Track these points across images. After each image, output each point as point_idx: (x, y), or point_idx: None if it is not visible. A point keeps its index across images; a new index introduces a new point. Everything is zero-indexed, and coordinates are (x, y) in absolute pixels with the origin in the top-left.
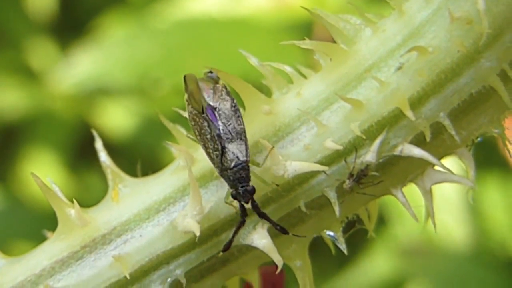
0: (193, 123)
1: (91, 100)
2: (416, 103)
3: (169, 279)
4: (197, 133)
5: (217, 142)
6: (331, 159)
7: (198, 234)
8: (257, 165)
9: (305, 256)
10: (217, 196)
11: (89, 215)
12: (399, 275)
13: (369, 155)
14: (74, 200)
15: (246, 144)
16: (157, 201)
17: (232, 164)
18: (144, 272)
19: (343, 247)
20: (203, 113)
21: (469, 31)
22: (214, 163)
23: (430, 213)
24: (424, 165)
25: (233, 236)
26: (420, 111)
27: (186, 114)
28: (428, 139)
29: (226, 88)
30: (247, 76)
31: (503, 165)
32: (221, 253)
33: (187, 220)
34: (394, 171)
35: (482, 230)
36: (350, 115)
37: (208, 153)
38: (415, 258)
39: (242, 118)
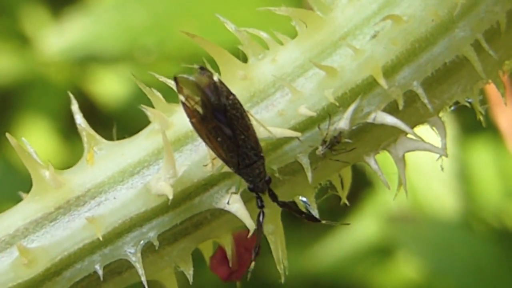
0: (198, 128)
1: (83, 67)
2: (390, 71)
3: (142, 242)
4: (204, 138)
5: (231, 143)
6: (304, 126)
7: (171, 197)
8: None
9: (278, 221)
10: (191, 160)
11: (63, 177)
12: (387, 242)
13: (343, 122)
14: (49, 162)
15: (257, 138)
16: (131, 164)
17: (250, 162)
18: (117, 234)
19: (315, 212)
20: (209, 116)
21: (444, 1)
22: (229, 165)
23: (402, 181)
24: (397, 133)
25: (259, 231)
26: (394, 80)
27: (162, 78)
28: (401, 108)
29: (223, 83)
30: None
31: (492, 130)
32: (252, 263)
33: (161, 183)
34: (367, 138)
35: (472, 196)
36: (324, 82)
37: (220, 156)
38: (404, 225)
39: (245, 109)
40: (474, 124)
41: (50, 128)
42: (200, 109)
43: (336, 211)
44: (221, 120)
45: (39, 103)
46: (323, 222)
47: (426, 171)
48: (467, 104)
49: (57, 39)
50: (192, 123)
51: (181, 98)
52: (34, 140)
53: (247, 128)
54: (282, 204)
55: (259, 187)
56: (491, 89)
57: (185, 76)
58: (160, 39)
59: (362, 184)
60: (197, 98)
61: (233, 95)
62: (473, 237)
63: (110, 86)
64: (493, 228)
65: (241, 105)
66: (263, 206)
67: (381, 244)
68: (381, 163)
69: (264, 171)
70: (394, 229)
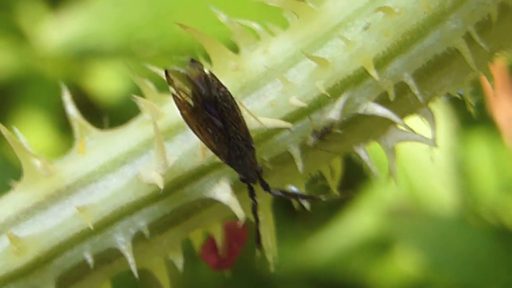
0: (189, 120)
1: (81, 62)
2: (381, 63)
3: (132, 231)
4: (195, 130)
5: (222, 135)
6: (296, 116)
7: (161, 187)
8: None
9: (268, 210)
10: (182, 150)
11: (54, 166)
12: (385, 236)
13: (333, 113)
14: (41, 152)
15: (248, 129)
16: (122, 154)
17: (241, 154)
18: (107, 223)
19: (305, 203)
20: (200, 108)
21: None
22: (220, 156)
23: (392, 172)
24: (388, 124)
25: (257, 221)
26: (385, 71)
27: (155, 69)
28: (392, 99)
29: (214, 76)
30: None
31: (490, 124)
32: (258, 251)
33: (152, 173)
34: (358, 129)
35: (470, 190)
36: (315, 73)
37: (211, 147)
38: (402, 218)
39: (236, 102)
40: (472, 118)
41: (47, 124)
42: (190, 101)
43: (333, 206)
44: (212, 112)
45: (36, 99)
46: (323, 199)
47: (424, 165)
48: (458, 96)
49: (55, 33)
50: (182, 115)
51: (172, 90)
52: (31, 135)
53: (238, 120)
54: (275, 193)
55: (250, 178)
56: (489, 83)
57: (175, 68)
58: (158, 34)
59: (359, 178)
60: (188, 90)
61: (224, 87)
62: (470, 231)
63: (107, 82)
64: (491, 222)
65: (232, 97)
66: (255, 195)
67: (378, 238)
68: (376, 153)
69: (255, 162)
70: (392, 223)
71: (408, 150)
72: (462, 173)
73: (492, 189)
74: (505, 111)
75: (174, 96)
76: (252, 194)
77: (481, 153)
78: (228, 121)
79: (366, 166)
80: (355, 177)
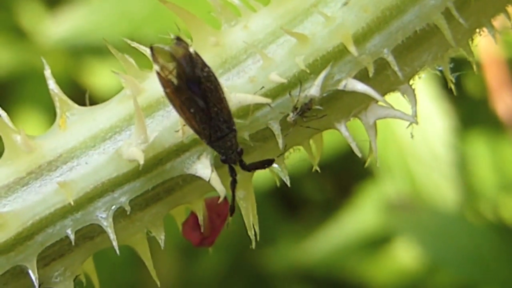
0: (172, 98)
1: (80, 58)
2: (360, 39)
3: (113, 207)
4: (178, 109)
5: (203, 115)
6: (276, 92)
7: (142, 162)
8: None
9: (249, 186)
10: (163, 126)
11: (35, 142)
12: (386, 230)
13: (313, 89)
14: (21, 127)
15: (230, 111)
16: (103, 129)
17: (222, 135)
18: (89, 199)
19: (286, 178)
20: (184, 87)
21: None
22: (201, 136)
23: (373, 149)
24: (368, 100)
25: (233, 197)
26: (364, 47)
27: (134, 44)
28: (371, 75)
29: (199, 55)
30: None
31: (492, 121)
32: (229, 216)
33: (132, 148)
34: (338, 105)
35: (470, 187)
36: (295, 49)
37: (193, 127)
38: (402, 213)
39: (220, 84)
40: (473, 114)
41: (45, 120)
42: (174, 80)
43: (332, 203)
44: (195, 91)
45: (35, 95)
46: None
47: (425, 160)
48: (438, 72)
49: (54, 29)
50: (166, 93)
51: (156, 67)
52: (30, 132)
53: (221, 101)
54: (252, 168)
55: (231, 159)
56: (491, 79)
57: (160, 46)
58: (159, 28)
59: (358, 174)
60: (172, 68)
61: (208, 67)
62: (471, 227)
63: (106, 78)
64: (491, 218)
65: (215, 78)
66: (236, 175)
67: (378, 234)
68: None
69: (236, 143)
70: (393, 218)
71: (409, 145)
72: (463, 169)
73: (492, 185)
74: (506, 106)
75: (158, 73)
76: (232, 173)
77: (482, 149)
78: (210, 102)
79: (368, 162)
80: (354, 174)
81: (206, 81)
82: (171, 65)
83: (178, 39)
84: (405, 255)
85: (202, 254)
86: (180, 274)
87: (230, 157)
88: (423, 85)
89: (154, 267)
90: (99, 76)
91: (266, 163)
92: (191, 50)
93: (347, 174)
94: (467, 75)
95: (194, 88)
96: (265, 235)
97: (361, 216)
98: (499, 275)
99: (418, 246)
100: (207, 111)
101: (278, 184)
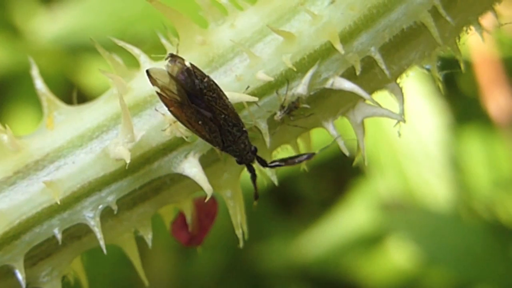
0: (178, 115)
1: (75, 57)
2: (347, 37)
3: (100, 206)
4: (186, 123)
5: (213, 124)
6: (263, 91)
7: (128, 161)
8: None
9: (237, 186)
10: (150, 125)
11: (22, 141)
12: (379, 229)
13: (301, 88)
14: (7, 126)
15: (236, 114)
16: (90, 129)
17: (234, 139)
18: (75, 198)
19: (274, 178)
20: (187, 102)
21: None
22: (214, 144)
23: (361, 147)
24: (356, 99)
25: (255, 188)
26: (352, 45)
27: (121, 43)
28: (358, 73)
29: (196, 67)
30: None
31: (484, 119)
32: (255, 202)
33: (119, 147)
34: (326, 104)
35: (464, 186)
36: (282, 47)
37: (204, 137)
38: (395, 212)
39: (221, 89)
40: (466, 113)
41: (40, 119)
42: (177, 97)
43: (327, 201)
44: (199, 104)
45: (30, 94)
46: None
47: (418, 159)
48: (425, 71)
49: (48, 28)
50: (171, 111)
51: (156, 89)
52: (25, 131)
53: (226, 107)
54: (272, 165)
55: (247, 159)
56: (483, 78)
57: (156, 68)
58: (153, 26)
59: (353, 173)
60: (172, 87)
61: (208, 77)
62: (465, 226)
63: (102, 77)
64: (485, 216)
65: (216, 85)
66: (254, 170)
67: (371, 233)
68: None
69: (249, 143)
70: (386, 217)
71: (402, 144)
72: (457, 167)
73: (486, 183)
74: (498, 104)
75: (159, 94)
76: (250, 170)
77: (475, 148)
78: (216, 110)
79: (360, 162)
80: (347, 173)
81: (208, 91)
82: (170, 84)
83: (172, 56)
84: (399, 254)
85: (197, 254)
86: (176, 274)
87: (246, 157)
88: (416, 83)
89: (149, 267)
90: (94, 75)
91: (292, 159)
92: (187, 63)
93: (341, 172)
94: (460, 74)
95: (197, 101)
96: (260, 234)
97: (355, 214)
98: (492, 273)
99: (412, 244)
100: (215, 119)
101: (265, 184)
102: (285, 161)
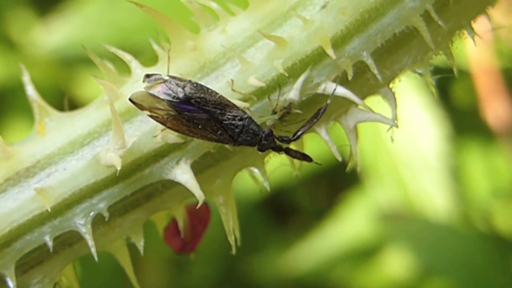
0: (176, 128)
1: (71, 68)
2: (339, 42)
3: (92, 213)
4: (187, 133)
5: (214, 123)
6: (255, 96)
7: (119, 168)
8: None
9: (229, 192)
10: (141, 131)
11: (13, 148)
12: (378, 239)
13: (292, 93)
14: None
15: (232, 103)
16: (81, 135)
17: (240, 129)
18: (67, 205)
19: (266, 184)
20: (179, 112)
21: None
22: (225, 142)
23: (353, 153)
24: (348, 104)
25: (301, 158)
26: (343, 50)
27: (112, 49)
28: (350, 78)
29: (173, 76)
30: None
31: (483, 130)
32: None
33: (110, 154)
34: (318, 109)
35: (463, 196)
36: (274, 52)
37: (212, 139)
38: (395, 222)
39: (206, 86)
40: (466, 123)
41: None
42: (168, 112)
43: (322, 211)
44: (192, 110)
45: (26, 107)
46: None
47: (417, 168)
48: (417, 75)
49: (45, 40)
50: (168, 128)
51: (146, 113)
52: None
53: (219, 102)
54: (295, 137)
55: (266, 145)
56: (482, 88)
57: (136, 93)
58: (150, 36)
59: (349, 183)
60: (159, 104)
61: (188, 80)
62: (464, 236)
63: (97, 88)
64: (483, 227)
65: (201, 86)
66: (282, 149)
67: (367, 244)
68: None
69: (258, 127)
70: (385, 226)
71: (402, 154)
72: (456, 178)
73: (485, 194)
74: (497, 115)
75: (151, 116)
76: (278, 151)
77: (474, 158)
78: (210, 109)
79: (358, 172)
80: (344, 183)
81: (194, 93)
82: (156, 103)
83: (147, 76)
84: (395, 264)
85: (191, 264)
86: (170, 284)
87: (264, 144)
88: (415, 94)
89: (142, 280)
90: (90, 87)
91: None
92: (164, 77)
93: (337, 182)
94: (459, 85)
95: (188, 107)
96: (254, 245)
97: (351, 225)
98: (492, 284)
99: (410, 255)
100: (214, 117)
101: (259, 191)
102: (304, 126)
